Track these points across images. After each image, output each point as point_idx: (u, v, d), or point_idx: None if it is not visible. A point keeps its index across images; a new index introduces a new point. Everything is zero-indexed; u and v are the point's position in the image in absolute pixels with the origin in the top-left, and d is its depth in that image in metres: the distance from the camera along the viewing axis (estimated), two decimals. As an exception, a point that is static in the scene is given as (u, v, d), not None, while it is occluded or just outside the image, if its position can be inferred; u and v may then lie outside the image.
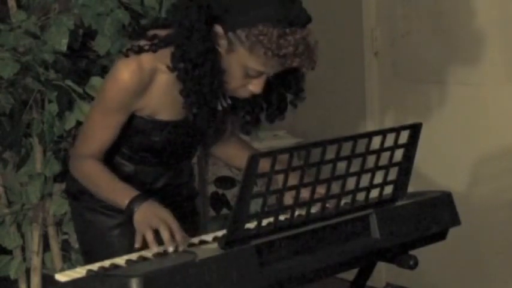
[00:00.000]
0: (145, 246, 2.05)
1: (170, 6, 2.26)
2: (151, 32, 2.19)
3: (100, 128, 2.22)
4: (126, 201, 2.13)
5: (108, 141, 2.24)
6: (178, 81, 2.13)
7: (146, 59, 2.14)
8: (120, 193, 2.17)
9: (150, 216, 2.07)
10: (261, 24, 2.02)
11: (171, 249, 1.99)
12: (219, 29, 2.08)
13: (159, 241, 2.04)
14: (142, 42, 2.16)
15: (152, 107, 2.21)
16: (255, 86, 2.14)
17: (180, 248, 2.00)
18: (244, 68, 2.10)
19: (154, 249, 2.00)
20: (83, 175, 2.27)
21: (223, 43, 2.09)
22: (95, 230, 2.37)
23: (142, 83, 2.15)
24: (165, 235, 2.01)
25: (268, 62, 2.06)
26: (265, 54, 2.04)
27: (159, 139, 2.26)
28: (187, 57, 2.09)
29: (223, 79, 2.12)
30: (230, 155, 2.49)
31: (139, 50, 2.14)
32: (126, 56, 2.14)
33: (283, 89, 2.23)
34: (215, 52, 2.10)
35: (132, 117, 2.23)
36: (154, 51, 2.14)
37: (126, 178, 2.26)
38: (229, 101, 2.25)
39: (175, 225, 2.05)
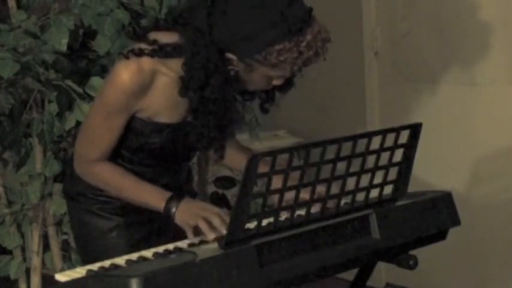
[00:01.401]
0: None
1: (168, 10, 2.26)
2: (152, 36, 2.18)
3: (104, 131, 2.21)
4: (162, 204, 2.18)
5: (114, 142, 2.24)
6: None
7: (146, 61, 2.14)
8: (151, 196, 2.23)
9: (194, 210, 2.14)
10: (276, 44, 2.03)
11: (224, 231, 2.03)
12: (231, 56, 2.09)
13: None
14: (142, 46, 2.16)
15: (152, 109, 2.21)
16: (279, 81, 2.17)
17: None
18: (268, 77, 2.13)
19: (212, 236, 2.06)
20: (101, 180, 2.28)
21: (240, 66, 2.10)
22: (92, 231, 2.37)
23: (142, 84, 2.15)
24: (216, 222, 2.08)
25: (293, 67, 2.09)
26: (292, 69, 2.07)
27: (158, 141, 2.26)
28: (207, 98, 2.12)
29: (244, 91, 2.18)
30: (228, 155, 2.49)
31: (140, 53, 2.14)
32: (126, 58, 2.14)
33: None
34: (232, 77, 2.12)
35: (131, 119, 2.22)
36: (153, 57, 2.14)
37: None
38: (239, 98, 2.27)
39: (219, 210, 2.13)
